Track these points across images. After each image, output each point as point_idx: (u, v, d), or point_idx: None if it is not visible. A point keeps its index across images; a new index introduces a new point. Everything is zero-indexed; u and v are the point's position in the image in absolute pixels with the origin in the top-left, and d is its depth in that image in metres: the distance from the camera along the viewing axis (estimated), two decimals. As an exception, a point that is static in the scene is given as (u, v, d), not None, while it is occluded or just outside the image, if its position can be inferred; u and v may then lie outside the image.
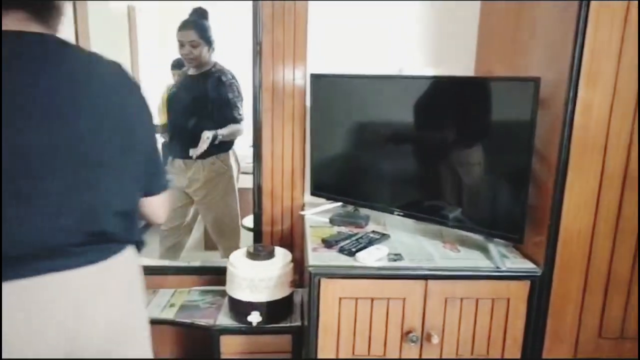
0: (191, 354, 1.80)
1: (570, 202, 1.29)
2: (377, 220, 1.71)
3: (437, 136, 1.53)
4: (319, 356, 1.38)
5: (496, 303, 1.36)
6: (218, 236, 2.52)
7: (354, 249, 1.40)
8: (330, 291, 1.34)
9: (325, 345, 1.38)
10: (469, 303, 1.36)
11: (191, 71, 2.44)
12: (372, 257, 1.37)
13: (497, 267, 1.34)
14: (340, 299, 1.35)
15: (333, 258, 1.40)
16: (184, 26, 2.36)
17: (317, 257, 1.40)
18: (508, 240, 1.43)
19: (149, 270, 1.90)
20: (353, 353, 1.39)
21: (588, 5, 1.18)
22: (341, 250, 1.42)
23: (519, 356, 1.40)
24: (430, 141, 1.55)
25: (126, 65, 0.99)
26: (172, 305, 1.79)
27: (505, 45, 1.61)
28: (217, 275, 1.88)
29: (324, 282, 1.34)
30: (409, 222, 1.64)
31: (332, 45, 1.79)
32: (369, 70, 1.70)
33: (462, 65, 1.81)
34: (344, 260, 1.38)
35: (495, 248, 1.41)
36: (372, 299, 1.35)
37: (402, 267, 1.35)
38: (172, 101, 2.49)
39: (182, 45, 2.36)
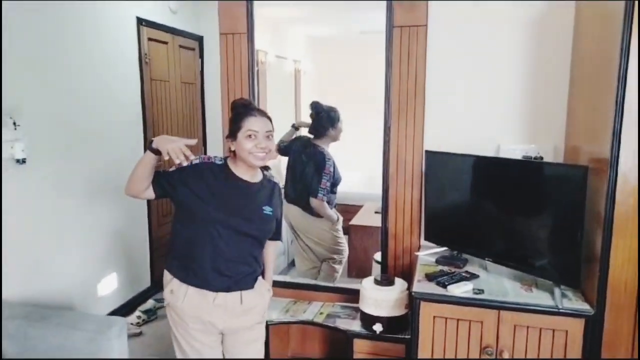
0: (332, 351, 2.48)
1: (616, 258, 1.68)
2: (481, 264, 2.19)
3: (515, 203, 2.02)
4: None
5: (556, 333, 1.79)
6: None
7: (446, 283, 1.96)
8: (427, 311, 1.92)
9: (423, 350, 1.94)
10: (534, 331, 1.82)
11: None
12: (459, 289, 1.91)
13: (556, 306, 1.78)
14: (434, 317, 1.92)
15: (431, 288, 1.97)
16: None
17: (420, 286, 1.99)
18: (568, 285, 1.85)
19: (305, 287, 2.67)
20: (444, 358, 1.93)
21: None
22: (437, 283, 1.98)
23: (579, 382, 1.80)
24: (510, 207, 2.04)
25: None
26: (321, 314, 2.51)
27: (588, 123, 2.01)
28: (353, 295, 2.55)
29: (423, 304, 1.92)
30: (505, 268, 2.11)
31: (443, 127, 2.39)
32: (474, 145, 2.24)
33: (554, 141, 2.24)
34: (438, 290, 1.94)
35: (559, 291, 1.84)
36: (458, 320, 1.89)
37: (480, 299, 1.87)
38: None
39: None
